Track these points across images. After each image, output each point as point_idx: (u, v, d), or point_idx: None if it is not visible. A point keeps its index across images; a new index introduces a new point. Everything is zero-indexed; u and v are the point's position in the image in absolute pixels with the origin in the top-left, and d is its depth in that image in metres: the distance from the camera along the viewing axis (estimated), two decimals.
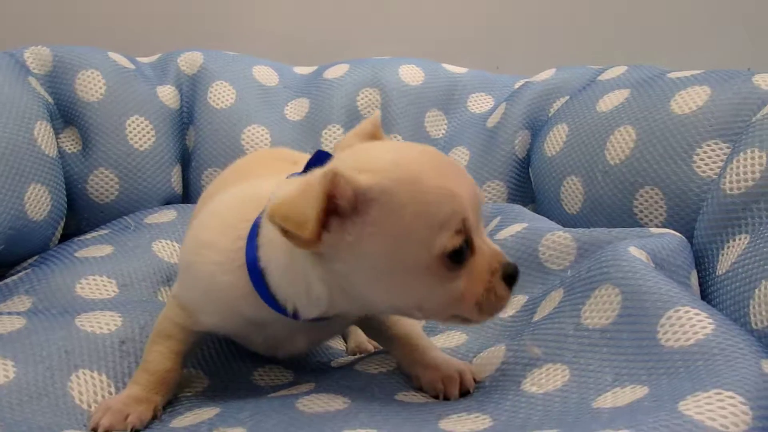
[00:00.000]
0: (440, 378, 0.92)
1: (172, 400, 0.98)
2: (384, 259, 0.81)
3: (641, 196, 1.21)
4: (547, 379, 0.88)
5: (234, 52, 1.83)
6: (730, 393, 0.71)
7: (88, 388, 0.96)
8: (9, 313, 1.08)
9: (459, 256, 0.81)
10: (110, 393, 0.97)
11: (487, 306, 0.83)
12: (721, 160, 1.13)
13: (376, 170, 0.80)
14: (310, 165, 0.88)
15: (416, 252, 0.80)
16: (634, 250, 0.96)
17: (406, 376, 0.98)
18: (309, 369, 1.12)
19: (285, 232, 0.78)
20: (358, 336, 1.19)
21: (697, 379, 0.75)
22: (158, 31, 2.23)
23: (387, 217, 0.79)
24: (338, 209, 0.79)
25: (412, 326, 1.00)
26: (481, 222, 0.85)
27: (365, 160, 0.83)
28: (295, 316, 0.89)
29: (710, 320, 0.83)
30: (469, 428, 0.81)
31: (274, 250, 0.86)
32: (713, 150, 1.14)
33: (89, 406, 0.94)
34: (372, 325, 1.04)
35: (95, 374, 0.98)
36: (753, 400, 0.70)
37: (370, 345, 1.17)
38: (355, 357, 1.14)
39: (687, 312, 0.84)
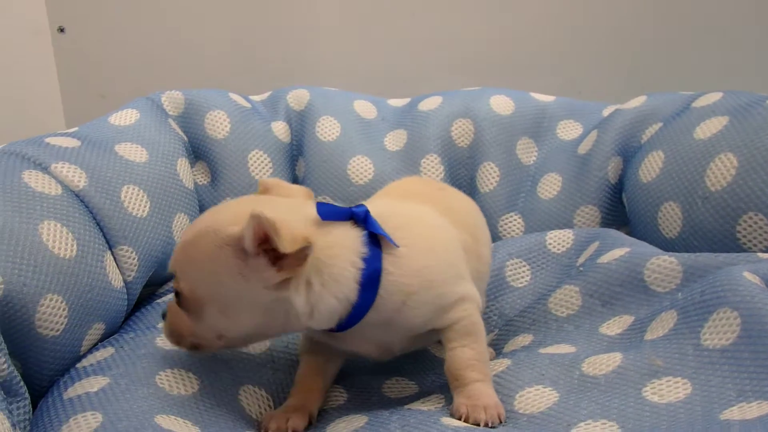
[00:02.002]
0: (468, 404, 0.98)
1: (324, 410, 1.11)
2: None
3: (744, 221, 1.24)
4: (668, 390, 0.93)
5: (330, 87, 1.94)
6: None
7: (253, 401, 1.10)
8: None
9: None
10: (270, 406, 1.11)
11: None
12: None
13: None
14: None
15: None
16: (748, 275, 1.00)
17: None
18: (429, 381, 1.21)
19: None
20: None
21: None
22: (262, 73, 2.40)
23: None
24: None
25: (467, 357, 1.03)
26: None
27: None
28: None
29: None
30: None
31: None
32: None
33: (257, 416, 1.07)
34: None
35: (256, 389, 1.12)
36: None
37: None
38: None
39: None
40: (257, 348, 1.18)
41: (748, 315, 0.94)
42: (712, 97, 1.47)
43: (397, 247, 1.00)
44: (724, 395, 0.89)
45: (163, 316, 1.03)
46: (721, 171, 1.31)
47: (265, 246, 0.90)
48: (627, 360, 1.01)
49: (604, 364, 1.03)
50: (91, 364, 1.09)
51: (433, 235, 1.09)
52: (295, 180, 1.80)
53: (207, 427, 0.97)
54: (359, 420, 1.02)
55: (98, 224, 1.23)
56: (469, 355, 1.03)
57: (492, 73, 2.31)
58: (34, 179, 1.17)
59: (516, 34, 2.36)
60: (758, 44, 2.29)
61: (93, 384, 1.02)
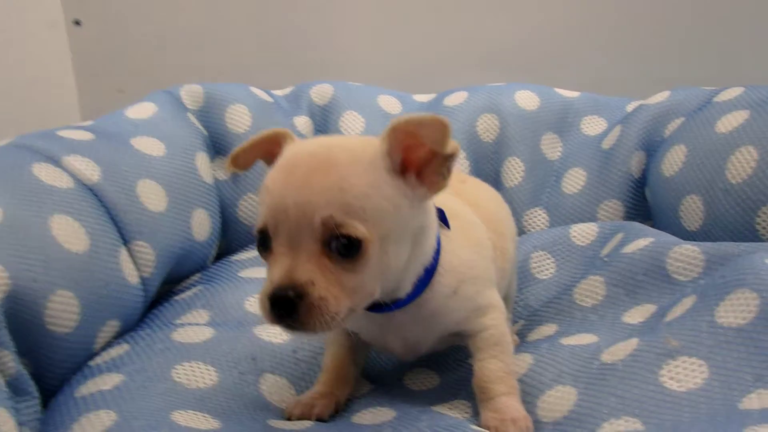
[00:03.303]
0: (497, 418, 0.98)
1: (350, 399, 1.10)
2: None
3: (764, 212, 1.25)
4: (685, 374, 0.93)
5: (354, 82, 1.94)
6: None
7: (274, 389, 1.09)
8: (196, 324, 1.22)
9: (259, 247, 0.87)
10: (292, 394, 1.10)
11: (261, 311, 0.84)
12: None
13: (290, 147, 0.93)
14: None
15: None
16: None
17: None
18: (450, 371, 1.21)
19: None
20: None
21: None
22: (285, 68, 2.39)
23: None
24: None
25: (495, 368, 1.02)
26: (306, 242, 0.83)
27: (305, 140, 0.95)
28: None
29: None
30: None
31: None
32: None
33: (278, 404, 1.07)
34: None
35: (278, 378, 1.11)
36: None
37: None
38: None
39: None
40: (279, 338, 1.18)
41: (767, 298, 0.94)
42: (734, 92, 1.48)
43: (449, 230, 1.01)
44: (741, 380, 0.89)
45: (278, 301, 0.82)
46: (742, 164, 1.31)
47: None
48: (643, 342, 1.01)
49: (621, 350, 1.03)
50: (105, 362, 1.10)
51: (474, 231, 1.09)
52: None
53: (228, 419, 0.97)
54: (386, 414, 1.02)
55: (112, 219, 1.23)
56: (497, 366, 1.03)
57: (518, 68, 2.28)
58: (45, 172, 1.17)
59: (542, 30, 2.34)
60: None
61: (106, 381, 1.02)
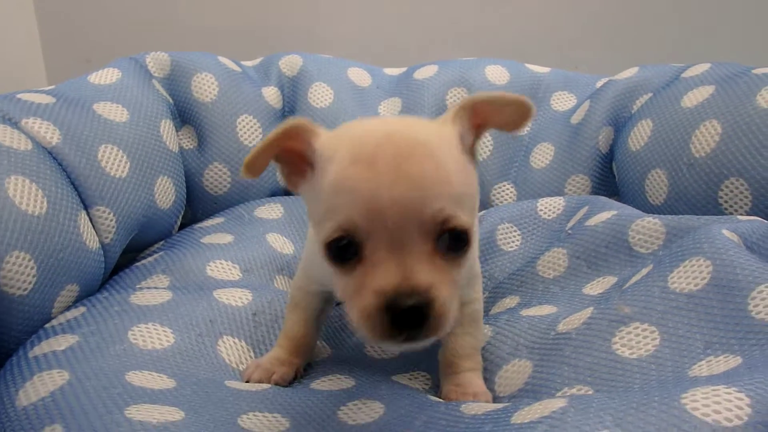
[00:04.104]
0: (459, 391, 0.98)
1: (310, 364, 1.10)
2: (312, 221, 0.82)
3: (726, 186, 1.26)
4: (637, 341, 0.94)
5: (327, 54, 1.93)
6: None
7: (232, 351, 1.09)
8: (155, 288, 1.21)
9: (337, 254, 0.75)
10: (250, 357, 1.10)
11: (357, 327, 0.75)
12: None
13: (333, 136, 0.79)
14: None
15: (317, 229, 0.78)
16: (726, 232, 1.01)
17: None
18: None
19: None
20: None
21: None
22: (256, 38, 2.37)
23: (316, 184, 0.78)
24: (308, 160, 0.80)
25: (466, 345, 1.02)
26: (417, 242, 0.73)
27: (348, 125, 0.83)
28: None
29: None
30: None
31: None
32: None
33: (237, 366, 1.07)
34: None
35: (236, 340, 1.11)
36: None
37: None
38: None
39: None
40: (239, 301, 1.18)
41: (720, 265, 0.94)
42: (701, 68, 1.50)
43: None
44: (692, 347, 0.89)
45: (402, 311, 0.72)
46: (706, 138, 1.32)
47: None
48: (597, 311, 1.01)
49: (577, 319, 1.03)
50: (60, 323, 1.09)
51: None
52: None
53: (184, 378, 0.96)
54: (346, 381, 1.02)
55: (72, 183, 1.21)
56: (470, 343, 1.03)
57: (489, 46, 2.28)
58: (2, 134, 1.14)
59: (515, 8, 2.34)
60: (748, 16, 2.26)
61: (61, 342, 1.02)
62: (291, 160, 0.82)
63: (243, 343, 1.12)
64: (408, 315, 0.71)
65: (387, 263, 0.72)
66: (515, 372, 1.03)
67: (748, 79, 1.34)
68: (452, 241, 0.75)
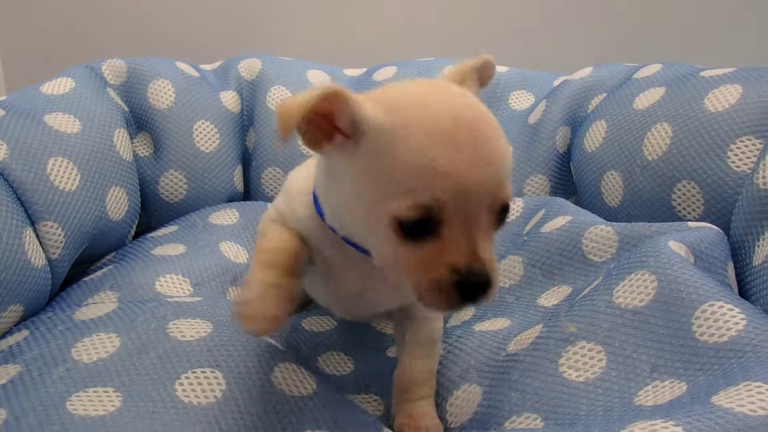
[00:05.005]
0: (412, 425, 0.98)
1: None
2: (361, 192, 0.80)
3: (679, 189, 1.26)
4: (584, 362, 0.93)
5: (288, 57, 1.92)
6: (758, 383, 0.76)
7: (186, 328, 1.04)
8: (102, 303, 1.17)
9: (411, 230, 0.76)
10: (207, 333, 1.03)
11: (427, 298, 0.78)
12: (755, 156, 1.18)
13: (386, 105, 0.78)
14: None
15: (380, 201, 0.77)
16: (673, 244, 1.00)
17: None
18: (365, 358, 1.22)
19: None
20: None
21: (730, 377, 0.80)
22: (216, 40, 2.35)
23: (371, 154, 0.78)
24: (340, 128, 0.79)
25: (424, 369, 1.03)
26: (484, 220, 0.78)
27: (392, 92, 0.82)
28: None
29: (743, 315, 0.87)
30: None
31: (318, 171, 0.92)
32: (746, 146, 1.19)
33: (192, 338, 1.01)
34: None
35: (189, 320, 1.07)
36: None
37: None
38: None
39: (721, 307, 0.89)
40: (183, 290, 1.16)
41: (665, 281, 0.94)
42: (653, 69, 1.50)
43: None
44: (639, 369, 0.89)
45: (470, 286, 0.77)
46: (658, 140, 1.33)
47: None
48: (545, 329, 1.01)
49: (526, 338, 1.03)
50: (2, 350, 1.05)
51: None
52: (245, 151, 1.78)
53: (131, 388, 0.92)
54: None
55: (19, 198, 1.19)
56: (427, 366, 1.03)
57: (449, 45, 2.28)
58: None
59: (475, 7, 2.34)
60: (700, 16, 2.28)
61: (2, 375, 0.97)
62: (317, 123, 0.81)
63: (198, 320, 1.06)
64: (476, 289, 0.76)
65: (459, 240, 0.76)
66: (465, 399, 1.02)
67: (696, 81, 1.34)
68: (501, 215, 0.79)
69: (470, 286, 0.76)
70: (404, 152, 0.75)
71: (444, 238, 0.76)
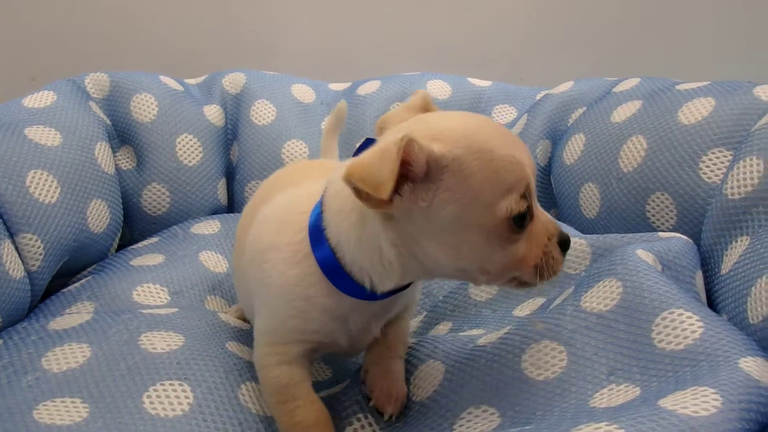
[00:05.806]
0: (381, 388, 1.00)
1: None
2: (454, 223, 0.84)
3: (653, 201, 1.28)
4: (545, 360, 0.93)
5: (272, 71, 1.93)
6: (703, 388, 0.76)
7: (158, 340, 1.05)
8: (78, 314, 1.18)
9: (522, 220, 0.84)
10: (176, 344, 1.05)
11: (548, 270, 0.88)
12: (725, 167, 1.19)
13: (446, 139, 0.83)
14: (360, 151, 0.87)
15: (483, 215, 0.83)
16: (641, 253, 1.01)
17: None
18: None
19: (359, 194, 0.80)
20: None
21: (681, 383, 0.80)
22: (204, 55, 2.37)
23: (458, 183, 0.83)
24: (410, 174, 0.82)
25: (406, 329, 1.08)
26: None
27: (436, 129, 0.85)
28: (372, 294, 0.92)
29: (701, 323, 0.87)
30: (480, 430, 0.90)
31: (344, 221, 0.90)
32: (717, 157, 1.20)
33: (164, 350, 1.02)
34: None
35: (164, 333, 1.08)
36: (723, 389, 0.75)
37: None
38: None
39: (680, 315, 0.89)
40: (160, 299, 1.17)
41: (630, 287, 0.95)
42: (631, 83, 1.52)
43: None
44: (597, 371, 0.90)
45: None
46: (633, 153, 1.34)
47: None
48: (514, 328, 1.02)
49: (496, 335, 1.03)
50: None
51: None
52: (229, 165, 1.79)
53: (99, 399, 0.93)
54: None
55: None
56: (408, 327, 1.09)
57: (434, 60, 2.30)
58: None
59: (460, 21, 2.35)
60: (683, 29, 2.31)
61: None
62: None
63: (170, 333, 1.07)
64: (568, 243, 0.92)
65: (539, 213, 0.89)
66: (428, 374, 1.02)
67: (671, 94, 1.36)
68: None
69: (566, 243, 0.91)
70: (491, 161, 0.83)
71: (535, 216, 0.88)
